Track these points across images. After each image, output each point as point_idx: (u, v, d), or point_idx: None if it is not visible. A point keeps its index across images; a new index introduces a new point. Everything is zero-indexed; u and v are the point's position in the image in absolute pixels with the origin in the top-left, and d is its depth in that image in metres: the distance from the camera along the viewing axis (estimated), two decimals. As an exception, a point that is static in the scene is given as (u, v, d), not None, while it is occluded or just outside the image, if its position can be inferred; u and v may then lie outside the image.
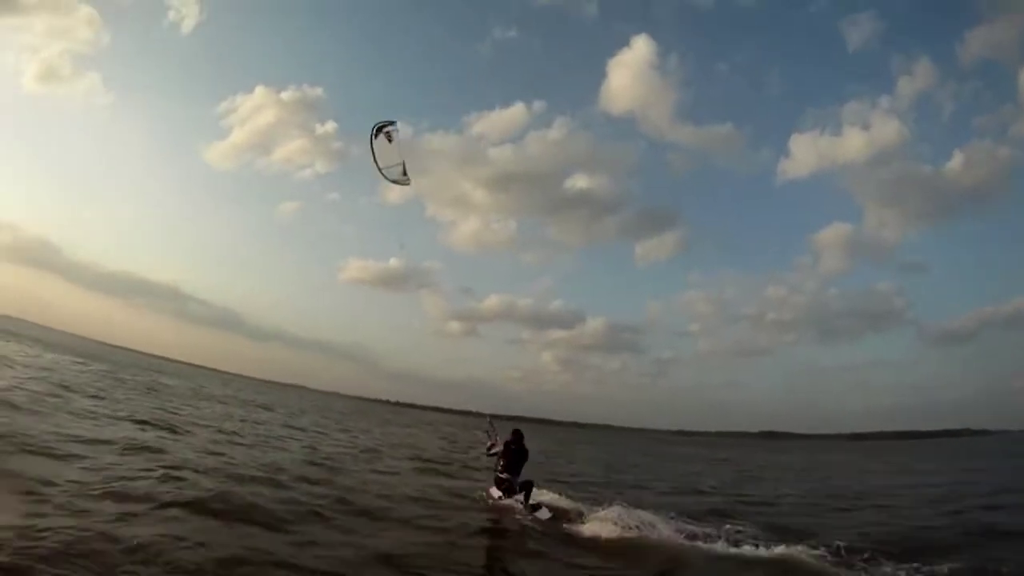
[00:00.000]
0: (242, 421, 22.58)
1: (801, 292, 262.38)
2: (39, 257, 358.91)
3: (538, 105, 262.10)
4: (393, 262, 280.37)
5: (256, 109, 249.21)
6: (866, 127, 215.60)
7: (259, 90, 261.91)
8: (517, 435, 11.15)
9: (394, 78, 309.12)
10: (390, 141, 10.70)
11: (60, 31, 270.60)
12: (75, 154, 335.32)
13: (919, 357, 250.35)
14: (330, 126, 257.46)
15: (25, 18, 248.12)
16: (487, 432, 11.85)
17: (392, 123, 10.71)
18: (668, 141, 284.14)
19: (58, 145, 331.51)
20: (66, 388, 18.60)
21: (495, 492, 11.16)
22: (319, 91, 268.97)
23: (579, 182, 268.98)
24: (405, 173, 10.83)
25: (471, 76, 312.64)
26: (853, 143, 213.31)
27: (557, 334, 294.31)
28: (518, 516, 10.09)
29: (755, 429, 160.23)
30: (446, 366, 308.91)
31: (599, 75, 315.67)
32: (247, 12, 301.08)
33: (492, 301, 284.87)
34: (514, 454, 10.98)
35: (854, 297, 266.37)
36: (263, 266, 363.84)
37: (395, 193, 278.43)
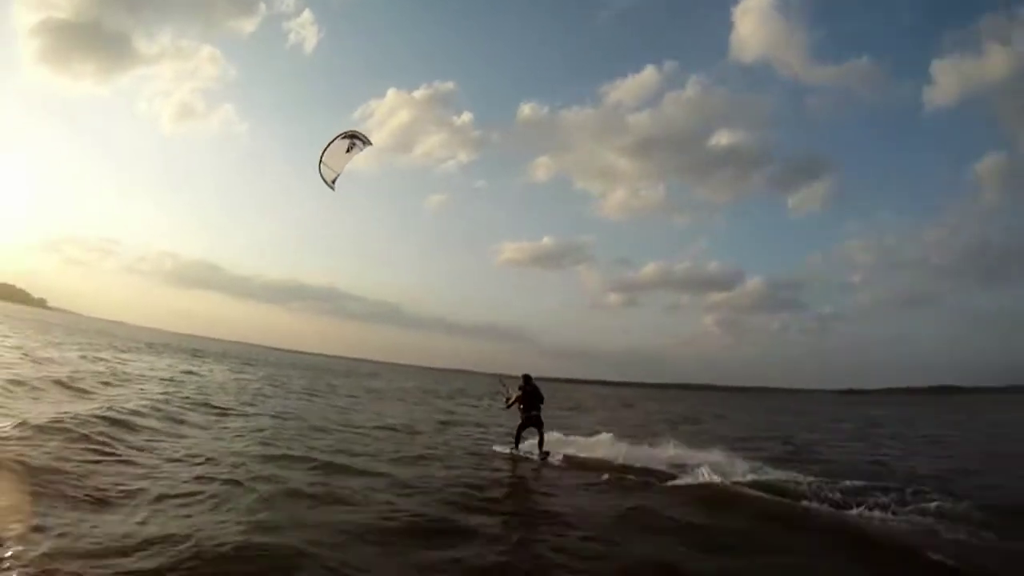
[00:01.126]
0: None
1: (962, 232, 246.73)
2: (202, 277, 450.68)
3: (669, 66, 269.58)
4: (547, 240, 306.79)
5: (391, 111, 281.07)
6: (1006, 42, 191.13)
7: (391, 92, 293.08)
8: (526, 378, 12.29)
9: (521, 60, 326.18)
10: (348, 151, 10.73)
11: (187, 73, 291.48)
12: (220, 180, 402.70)
13: None
14: (466, 116, 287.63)
15: (151, 67, 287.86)
16: (501, 391, 13.35)
17: (366, 143, 11.02)
18: (805, 84, 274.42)
19: (203, 175, 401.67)
20: (312, 393, 24.76)
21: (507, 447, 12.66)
22: (450, 85, 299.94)
23: (722, 139, 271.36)
24: (334, 182, 10.75)
25: (597, 47, 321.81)
26: (995, 62, 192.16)
27: (716, 296, 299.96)
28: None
29: (926, 384, 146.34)
30: (607, 339, 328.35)
31: (725, 26, 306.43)
32: (364, 22, 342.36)
33: (649, 269, 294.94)
34: (529, 395, 12.09)
35: (1020, 234, 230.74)
36: (416, 258, 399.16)
37: (541, 171, 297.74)
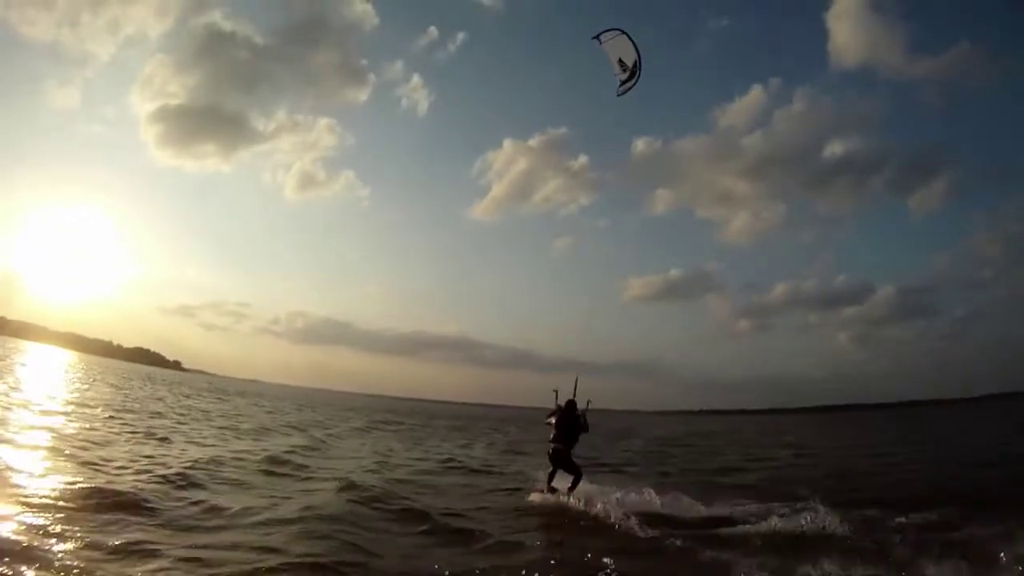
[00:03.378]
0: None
1: None
2: (332, 333, 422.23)
3: (773, 83, 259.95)
4: (673, 272, 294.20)
5: (508, 161, 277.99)
6: None
7: (507, 143, 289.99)
8: (569, 404, 10.63)
9: (631, 97, 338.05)
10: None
11: (306, 145, 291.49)
12: (347, 243, 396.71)
13: None
14: (582, 159, 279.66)
15: (271, 143, 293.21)
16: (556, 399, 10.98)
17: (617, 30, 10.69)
18: (909, 79, 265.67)
19: (329, 239, 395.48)
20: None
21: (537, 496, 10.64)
22: (563, 130, 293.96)
23: (835, 149, 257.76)
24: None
25: (700, 74, 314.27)
26: None
27: (848, 311, 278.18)
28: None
29: None
30: (742, 366, 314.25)
31: (821, 34, 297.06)
32: (472, 79, 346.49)
33: (777, 290, 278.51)
34: (566, 424, 10.39)
35: None
36: (545, 302, 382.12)
37: (660, 204, 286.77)
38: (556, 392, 11.01)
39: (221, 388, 69.94)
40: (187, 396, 37.70)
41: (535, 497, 10.65)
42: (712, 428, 57.87)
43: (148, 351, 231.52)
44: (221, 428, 20.22)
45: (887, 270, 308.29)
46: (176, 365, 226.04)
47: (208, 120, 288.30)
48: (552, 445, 10.44)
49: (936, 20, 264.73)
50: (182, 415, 23.17)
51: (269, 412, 33.82)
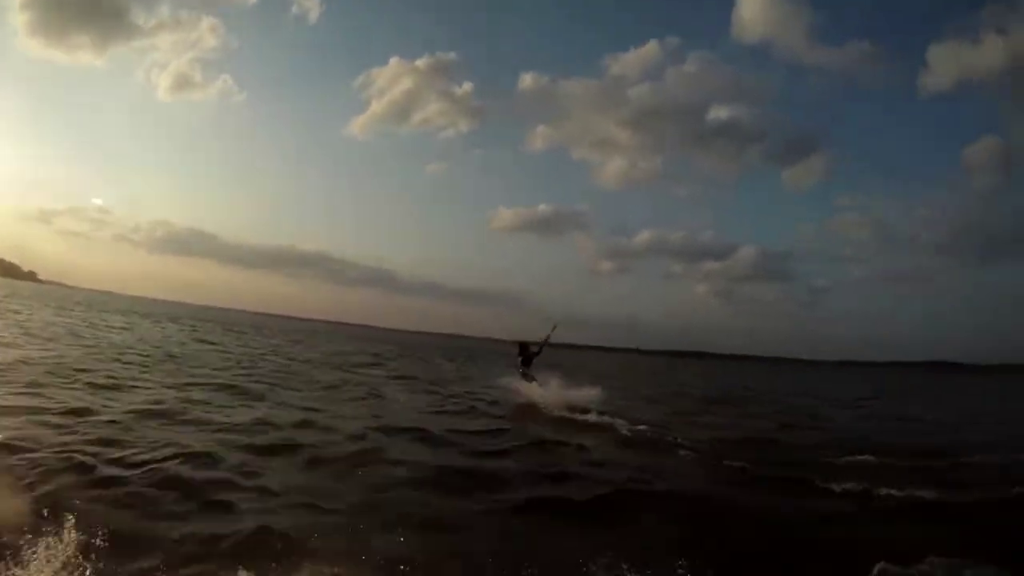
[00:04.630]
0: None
1: (954, 211, 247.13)
2: (195, 245, 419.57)
3: (671, 41, 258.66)
4: (543, 207, 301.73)
5: (393, 79, 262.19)
6: (1003, 32, 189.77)
7: (393, 61, 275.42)
8: (522, 346, 16.93)
9: (525, 32, 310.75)
10: None
11: (186, 44, 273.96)
12: (217, 150, 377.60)
13: None
14: (467, 86, 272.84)
15: (149, 39, 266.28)
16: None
17: None
18: (806, 64, 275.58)
19: (199, 145, 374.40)
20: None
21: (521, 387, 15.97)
22: (452, 55, 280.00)
23: (721, 113, 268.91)
24: None
25: (602, 20, 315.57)
26: (992, 50, 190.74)
27: (710, 266, 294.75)
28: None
29: (923, 359, 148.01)
30: (601, 306, 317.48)
31: (728, 5, 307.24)
32: None
33: (643, 237, 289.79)
34: (525, 356, 16.62)
35: (1013, 215, 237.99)
36: (414, 225, 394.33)
37: (540, 141, 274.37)
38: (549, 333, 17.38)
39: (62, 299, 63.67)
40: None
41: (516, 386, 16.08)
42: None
43: (1, 260, 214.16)
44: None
45: (753, 233, 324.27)
46: (31, 276, 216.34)
47: (86, 9, 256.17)
48: (520, 361, 16.78)
49: (843, 15, 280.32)
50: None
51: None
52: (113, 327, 29.93)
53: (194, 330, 37.61)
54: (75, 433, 7.46)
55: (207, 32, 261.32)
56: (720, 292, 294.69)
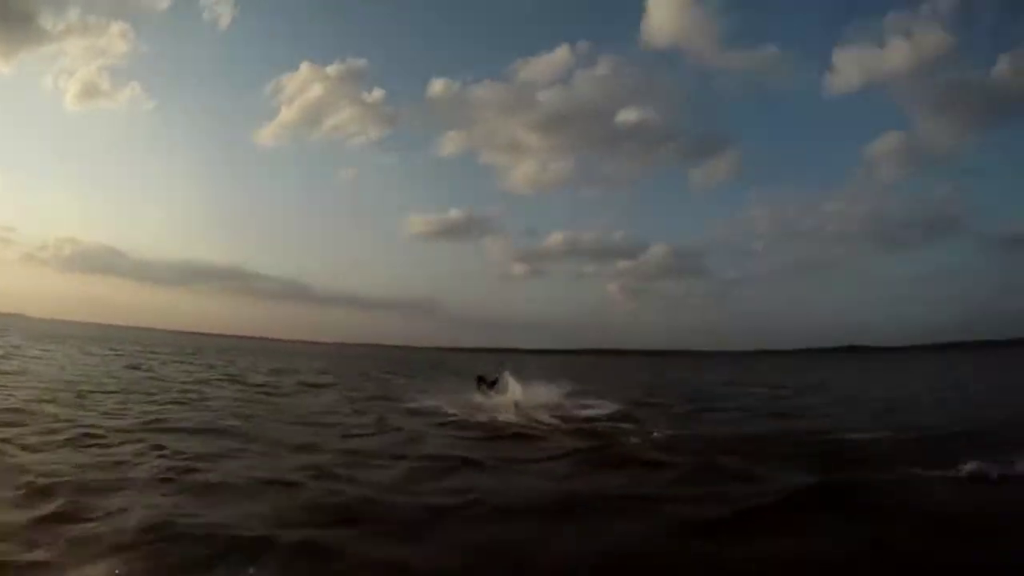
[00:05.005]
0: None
1: (858, 204, 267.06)
2: (105, 262, 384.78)
3: (582, 45, 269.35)
4: (453, 212, 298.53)
5: (303, 86, 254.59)
6: (908, 36, 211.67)
7: (304, 67, 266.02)
8: (480, 378, 19.42)
9: (436, 38, 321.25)
10: None
11: (95, 51, 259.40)
12: (126, 161, 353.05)
13: (981, 263, 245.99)
14: (378, 93, 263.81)
15: (57, 45, 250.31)
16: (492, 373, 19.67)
17: None
18: (714, 68, 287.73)
19: (107, 156, 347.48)
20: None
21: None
22: (363, 62, 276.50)
23: (630, 115, 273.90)
24: None
25: (513, 26, 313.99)
26: (897, 53, 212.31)
27: (621, 264, 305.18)
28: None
29: (835, 344, 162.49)
30: (516, 308, 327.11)
31: (639, 10, 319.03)
32: None
33: (555, 239, 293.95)
34: (487, 383, 18.73)
35: (912, 205, 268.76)
36: (326, 234, 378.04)
37: (450, 146, 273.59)
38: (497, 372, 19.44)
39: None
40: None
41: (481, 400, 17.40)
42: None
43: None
44: None
45: (663, 231, 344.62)
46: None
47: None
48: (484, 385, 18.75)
49: (752, 21, 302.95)
50: None
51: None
52: (29, 355, 27.86)
53: (119, 355, 34.59)
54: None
55: (117, 37, 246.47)
56: (633, 290, 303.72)
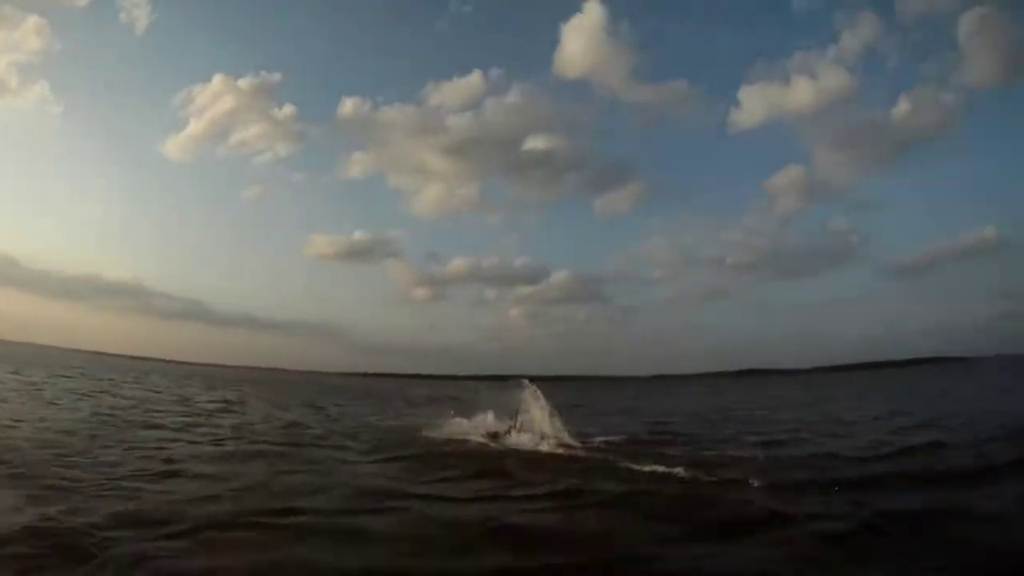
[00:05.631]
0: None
1: (758, 234, 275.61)
2: None
3: (495, 73, 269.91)
4: (357, 234, 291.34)
5: (214, 97, 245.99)
6: (813, 76, 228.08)
7: (217, 78, 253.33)
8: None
9: (351, 57, 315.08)
10: None
11: (8, 44, 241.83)
12: (27, 165, 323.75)
13: (879, 290, 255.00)
14: (288, 109, 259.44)
15: None
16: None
17: None
18: (624, 101, 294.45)
19: (8, 155, 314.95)
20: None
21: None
22: (277, 76, 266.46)
23: (538, 143, 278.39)
24: None
25: (428, 50, 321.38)
26: (801, 92, 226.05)
27: (523, 290, 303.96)
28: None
29: (734, 368, 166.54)
30: (417, 333, 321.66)
31: (553, 42, 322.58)
32: (201, 4, 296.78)
33: (457, 263, 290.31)
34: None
35: (810, 236, 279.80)
36: (228, 253, 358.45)
37: (357, 167, 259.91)
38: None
39: None
40: None
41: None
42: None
43: None
44: None
45: (566, 258, 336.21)
46: None
47: None
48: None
49: (664, 57, 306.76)
50: None
51: None
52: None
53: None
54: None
55: (31, 32, 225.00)
56: (533, 315, 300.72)
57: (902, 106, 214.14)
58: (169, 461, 10.01)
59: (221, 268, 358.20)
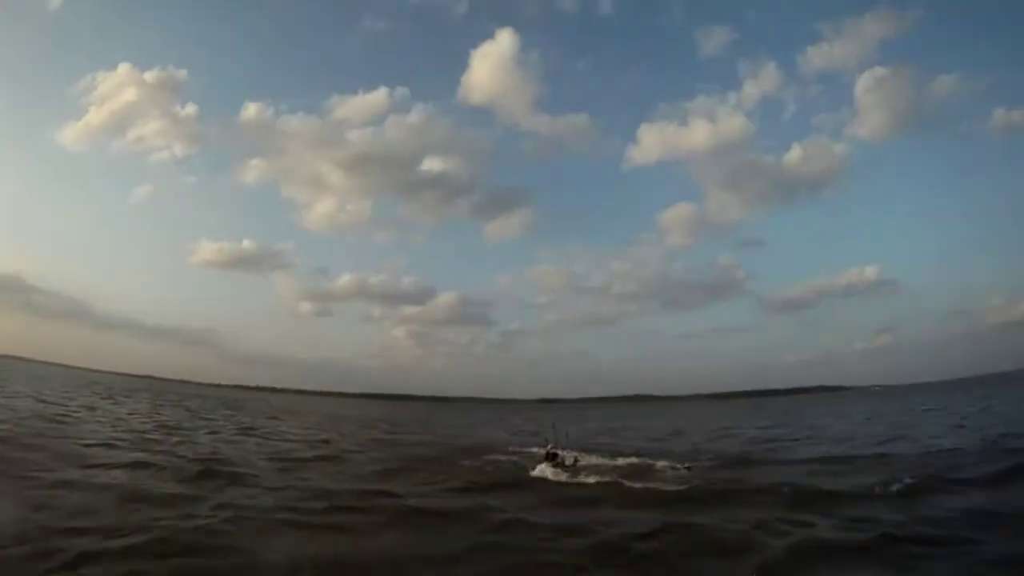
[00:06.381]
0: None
1: (646, 266, 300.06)
2: None
3: (400, 91, 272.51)
4: (247, 243, 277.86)
5: (118, 87, 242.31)
6: (712, 120, 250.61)
7: (123, 67, 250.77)
8: (551, 454, 19.49)
9: (261, 61, 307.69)
10: None
11: None
12: None
13: (763, 323, 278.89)
14: (191, 108, 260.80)
15: None
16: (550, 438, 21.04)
17: None
18: (524, 129, 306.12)
19: None
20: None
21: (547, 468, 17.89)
22: (184, 72, 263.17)
23: (434, 165, 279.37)
24: None
25: (338, 62, 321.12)
26: (699, 134, 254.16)
27: (409, 310, 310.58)
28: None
29: (620, 393, 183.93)
30: (301, 347, 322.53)
31: (462, 67, 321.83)
32: None
33: (345, 280, 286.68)
34: (552, 458, 18.90)
35: (697, 270, 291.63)
36: (115, 251, 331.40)
37: (252, 175, 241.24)
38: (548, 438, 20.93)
39: None
40: None
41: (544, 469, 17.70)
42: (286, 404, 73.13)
43: None
44: None
45: (453, 280, 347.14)
46: None
47: None
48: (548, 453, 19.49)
49: (568, 90, 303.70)
50: None
51: None
52: None
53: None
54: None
55: None
56: (419, 335, 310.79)
57: (795, 152, 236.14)
58: None
59: (106, 267, 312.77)
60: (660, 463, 18.97)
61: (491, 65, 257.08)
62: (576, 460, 18.97)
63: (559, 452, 19.56)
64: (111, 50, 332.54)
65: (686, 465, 18.65)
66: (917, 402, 54.84)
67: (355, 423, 44.74)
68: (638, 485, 14.68)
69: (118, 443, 18.85)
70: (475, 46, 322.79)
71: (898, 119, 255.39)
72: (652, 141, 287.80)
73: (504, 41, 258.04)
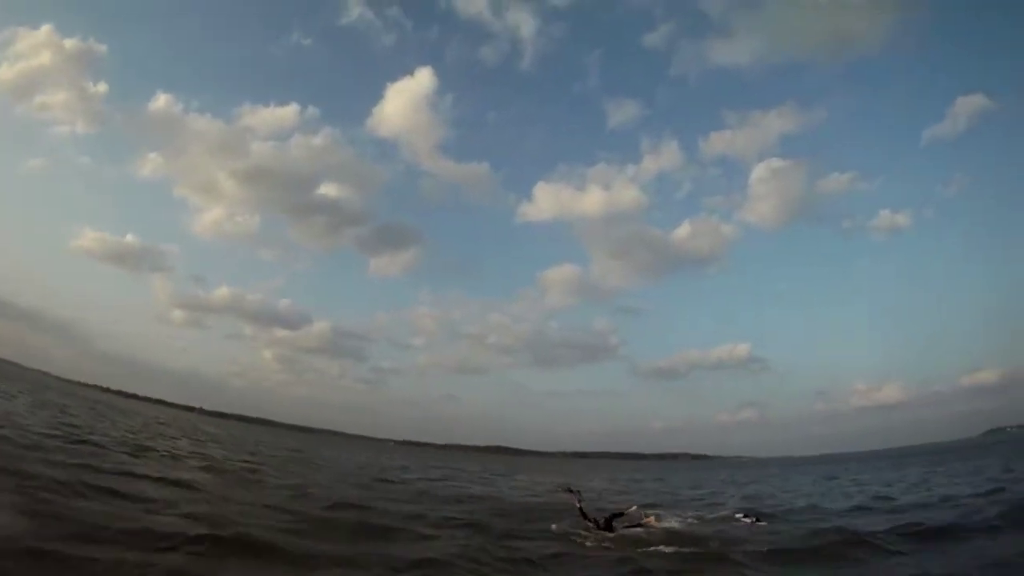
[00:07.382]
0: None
1: (524, 321, 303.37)
2: None
3: (311, 111, 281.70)
4: (130, 238, 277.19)
5: (34, 48, 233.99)
6: (608, 188, 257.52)
7: (45, 28, 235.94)
8: (607, 521, 14.33)
9: (182, 52, 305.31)
10: None
11: None
12: None
13: (632, 388, 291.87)
14: (102, 87, 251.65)
15: None
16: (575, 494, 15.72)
17: None
18: (425, 169, 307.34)
19: None
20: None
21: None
22: (103, 48, 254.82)
23: (330, 191, 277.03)
24: None
25: (257, 70, 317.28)
26: (594, 199, 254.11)
27: (281, 333, 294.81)
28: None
29: (483, 443, 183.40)
30: (166, 354, 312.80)
31: (377, 97, 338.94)
32: None
33: (221, 292, 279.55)
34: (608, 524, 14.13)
35: (574, 330, 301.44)
36: None
37: (148, 168, 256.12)
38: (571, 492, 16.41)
39: None
40: None
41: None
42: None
43: None
44: None
45: (330, 309, 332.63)
46: None
47: None
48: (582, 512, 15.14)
49: (474, 139, 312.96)
50: None
51: None
52: None
53: None
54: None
55: None
56: (287, 360, 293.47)
57: (684, 229, 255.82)
58: None
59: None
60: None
61: (405, 101, 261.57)
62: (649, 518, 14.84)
63: (624, 511, 14.72)
64: (40, 6, 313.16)
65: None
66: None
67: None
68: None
69: None
70: (394, 80, 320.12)
71: (787, 208, 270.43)
72: (547, 200, 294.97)
73: (423, 80, 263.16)
